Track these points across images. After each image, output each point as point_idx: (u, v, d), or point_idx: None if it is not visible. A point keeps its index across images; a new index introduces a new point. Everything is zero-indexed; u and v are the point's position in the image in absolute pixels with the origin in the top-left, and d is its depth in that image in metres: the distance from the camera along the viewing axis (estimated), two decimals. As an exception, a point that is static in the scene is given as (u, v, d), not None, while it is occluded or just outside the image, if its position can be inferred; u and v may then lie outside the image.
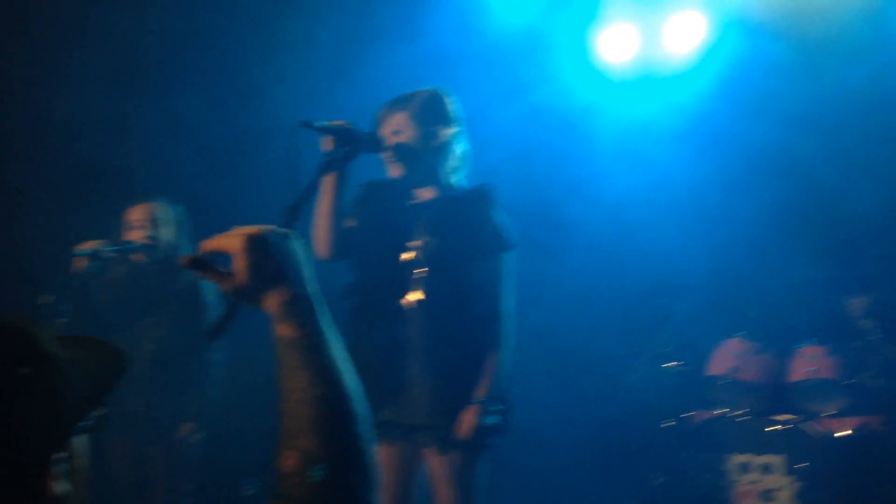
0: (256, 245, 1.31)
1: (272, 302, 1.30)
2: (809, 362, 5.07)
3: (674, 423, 5.21)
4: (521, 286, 3.31)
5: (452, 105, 3.31)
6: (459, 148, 3.31)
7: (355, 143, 3.04)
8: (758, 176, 5.30)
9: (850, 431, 5.02)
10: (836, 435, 5.10)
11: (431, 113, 3.23)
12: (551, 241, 5.12)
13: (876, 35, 5.09)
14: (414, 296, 3.11)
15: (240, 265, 1.31)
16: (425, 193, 3.26)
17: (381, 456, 3.17)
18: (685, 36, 5.61)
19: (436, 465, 3.14)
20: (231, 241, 1.33)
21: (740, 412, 5.07)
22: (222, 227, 1.36)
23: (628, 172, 5.43)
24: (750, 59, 5.36)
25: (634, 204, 5.38)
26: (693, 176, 5.32)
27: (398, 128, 3.16)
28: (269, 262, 1.31)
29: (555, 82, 5.59)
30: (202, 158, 5.02)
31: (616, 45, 5.74)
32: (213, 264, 1.36)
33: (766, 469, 4.88)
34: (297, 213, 2.53)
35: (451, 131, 3.26)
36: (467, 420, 3.07)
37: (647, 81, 5.77)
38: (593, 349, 5.25)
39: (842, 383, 5.02)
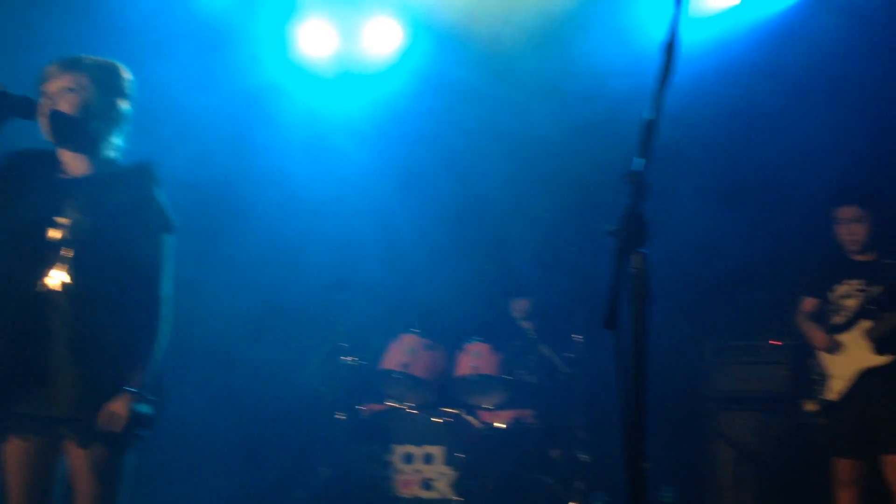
0: None
1: None
2: (474, 359, 5.38)
3: (345, 416, 5.30)
4: (189, 270, 3.20)
5: (130, 81, 3.15)
6: (126, 126, 3.14)
7: (6, 106, 2.78)
8: (440, 180, 5.54)
9: (504, 424, 5.40)
10: (494, 426, 5.47)
11: (111, 82, 3.06)
12: (228, 226, 5.03)
13: (550, 65, 5.50)
14: (59, 278, 2.89)
15: None
16: (80, 167, 3.04)
17: (16, 451, 2.92)
18: (380, 39, 5.77)
19: (77, 459, 2.93)
20: None
21: (408, 405, 5.26)
22: None
23: (318, 165, 5.47)
24: (439, 70, 5.60)
25: (321, 197, 5.42)
26: (380, 174, 5.47)
27: (73, 87, 2.94)
28: None
29: (250, 70, 5.50)
30: None
31: (314, 40, 5.78)
32: None
33: (428, 459, 5.10)
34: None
35: (124, 105, 3.09)
36: (115, 411, 2.90)
37: (344, 78, 5.86)
38: (267, 340, 5.22)
39: (502, 379, 5.38)
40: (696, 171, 5.53)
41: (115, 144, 3.10)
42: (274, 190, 5.30)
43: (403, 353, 5.37)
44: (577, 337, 5.37)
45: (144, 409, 2.97)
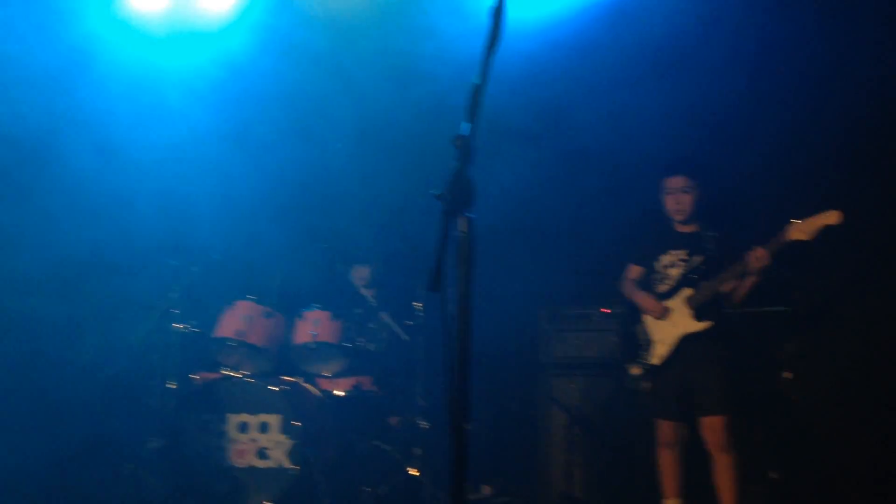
0: None
1: None
2: (313, 326, 5.32)
3: (176, 385, 5.15)
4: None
5: None
6: None
7: None
8: (279, 142, 5.43)
9: (344, 392, 5.39)
10: (333, 394, 5.44)
11: None
12: (45, 180, 4.77)
13: (393, 33, 5.46)
14: None
15: None
16: None
17: None
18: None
19: None
20: None
21: (244, 373, 5.16)
22: None
23: (149, 122, 5.26)
24: (280, 30, 5.47)
25: (151, 155, 5.21)
26: (216, 134, 5.31)
27: None
28: None
29: (73, 23, 5.21)
30: None
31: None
32: None
33: (264, 428, 5.03)
34: None
35: None
36: None
37: (177, 34, 5.65)
38: (91, 302, 4.98)
39: (341, 346, 5.35)
40: (533, 142, 5.66)
41: None
42: (97, 145, 5.04)
43: (239, 320, 5.25)
44: (418, 304, 5.41)
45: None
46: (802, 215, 4.04)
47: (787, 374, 4.99)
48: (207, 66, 5.49)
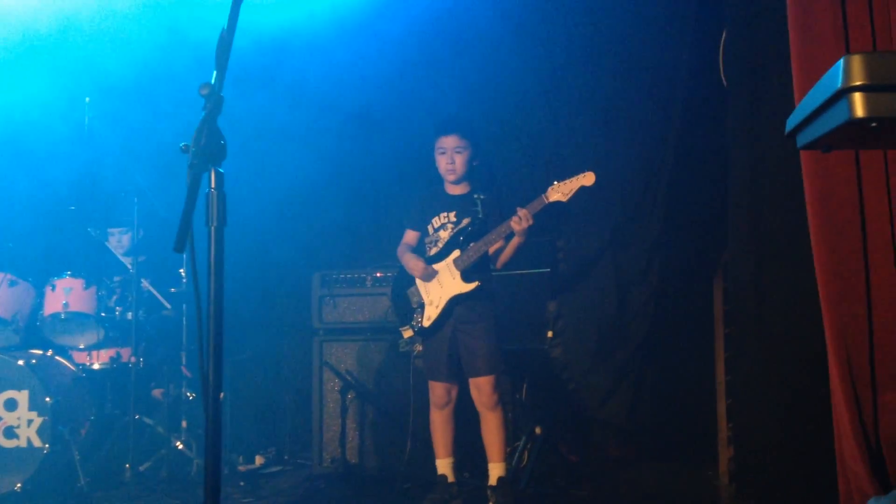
0: None
1: None
2: (65, 295, 4.97)
3: None
4: None
5: None
6: None
7: None
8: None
9: (100, 364, 5.09)
10: (89, 367, 5.12)
11: None
12: None
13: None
14: None
15: None
16: None
17: None
18: None
19: None
20: None
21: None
22: None
23: None
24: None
25: None
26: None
27: None
28: None
29: None
30: None
31: None
32: None
33: (10, 405, 4.67)
34: None
35: None
36: None
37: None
38: None
39: (97, 316, 5.03)
40: (313, 101, 5.54)
41: None
42: None
43: (-23, 290, 4.82)
44: (183, 271, 5.18)
45: None
46: (562, 177, 4.16)
47: (549, 333, 5.18)
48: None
